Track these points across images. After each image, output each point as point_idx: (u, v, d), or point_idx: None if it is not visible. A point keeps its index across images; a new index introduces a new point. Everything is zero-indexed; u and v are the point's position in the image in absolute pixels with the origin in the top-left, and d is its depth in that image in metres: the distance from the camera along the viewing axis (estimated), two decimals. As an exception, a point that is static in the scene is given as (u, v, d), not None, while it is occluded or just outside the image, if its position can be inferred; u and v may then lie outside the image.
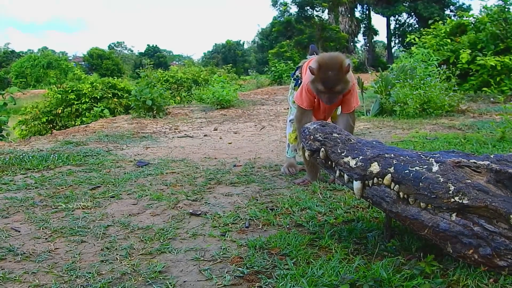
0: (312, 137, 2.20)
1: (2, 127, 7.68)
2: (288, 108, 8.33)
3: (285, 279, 1.78)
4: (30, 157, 4.46)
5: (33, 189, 3.40)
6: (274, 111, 9.13)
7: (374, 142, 2.17)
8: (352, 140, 2.16)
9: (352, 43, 47.09)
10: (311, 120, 3.27)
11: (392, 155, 2.01)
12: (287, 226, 2.43)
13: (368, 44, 47.05)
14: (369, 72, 23.56)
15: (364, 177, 2.02)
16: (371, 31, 47.56)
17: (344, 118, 3.35)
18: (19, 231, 2.49)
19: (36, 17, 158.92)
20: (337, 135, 2.17)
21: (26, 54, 55.65)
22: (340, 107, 3.44)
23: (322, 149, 2.15)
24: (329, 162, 2.17)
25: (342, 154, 2.11)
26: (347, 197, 2.86)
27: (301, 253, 2.04)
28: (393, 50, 47.81)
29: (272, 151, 4.73)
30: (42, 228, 2.52)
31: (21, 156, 4.52)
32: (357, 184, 2.05)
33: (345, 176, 2.10)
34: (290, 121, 3.77)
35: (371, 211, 2.59)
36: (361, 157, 2.06)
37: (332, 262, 1.91)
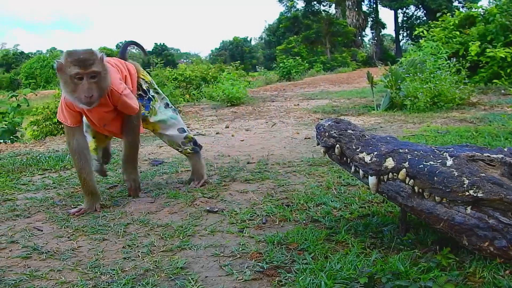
0: (327, 133, 2.24)
1: (17, 128, 7.78)
2: (297, 105, 8.31)
3: (304, 273, 1.82)
4: (47, 158, 4.54)
5: (51, 189, 3.48)
6: (284, 108, 9.16)
7: (388, 138, 2.21)
8: (367, 136, 2.20)
9: (359, 37, 46.88)
10: (84, 139, 2.97)
11: (407, 150, 2.05)
12: (304, 221, 2.48)
13: (376, 38, 46.82)
14: (378, 66, 23.52)
15: (379, 172, 2.06)
16: (378, 25, 47.34)
17: (128, 119, 3.03)
18: (42, 230, 2.55)
19: (42, 17, 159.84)
20: (352, 132, 2.21)
21: (35, 55, 56.04)
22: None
23: (337, 145, 2.19)
24: (344, 158, 2.21)
25: (357, 150, 2.15)
26: (362, 192, 2.90)
27: (318, 247, 2.08)
28: (401, 43, 47.60)
29: (284, 147, 4.77)
30: (64, 227, 2.58)
31: (37, 157, 4.60)
32: (372, 179, 2.09)
33: (360, 171, 2.14)
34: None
35: (385, 205, 2.63)
36: (376, 153, 2.09)
37: (349, 256, 1.95)
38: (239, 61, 24.49)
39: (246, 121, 7.29)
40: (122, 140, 3.16)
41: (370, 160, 2.09)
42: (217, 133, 6.05)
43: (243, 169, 3.81)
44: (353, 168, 2.18)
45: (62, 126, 9.47)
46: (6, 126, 7.63)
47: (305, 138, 5.26)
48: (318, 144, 2.32)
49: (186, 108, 10.28)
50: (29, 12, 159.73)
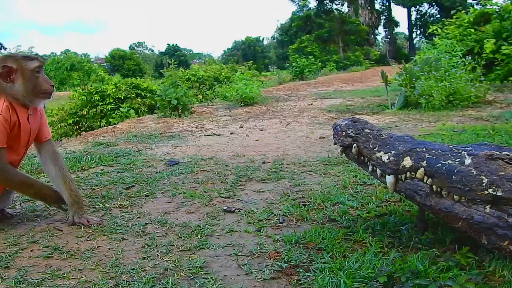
0: (344, 133, 2.25)
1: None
2: (311, 104, 8.31)
3: (323, 272, 1.83)
4: (64, 159, 4.57)
5: (70, 189, 3.51)
6: (298, 107, 9.15)
7: (405, 137, 2.21)
8: (384, 135, 2.20)
9: (372, 36, 46.66)
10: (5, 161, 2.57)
11: (424, 149, 2.05)
12: (321, 221, 2.49)
13: (389, 36, 46.59)
14: (391, 64, 23.39)
15: (397, 172, 2.06)
16: (391, 23, 47.08)
17: (48, 146, 2.83)
18: (62, 230, 2.59)
19: (56, 19, 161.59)
20: (369, 131, 2.22)
21: (49, 57, 56.66)
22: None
23: (355, 144, 2.20)
24: (362, 158, 2.22)
25: (375, 149, 2.15)
26: (378, 191, 2.90)
27: (336, 247, 2.09)
28: (414, 42, 47.28)
29: (299, 147, 4.78)
30: (83, 227, 2.61)
31: (55, 158, 4.65)
32: (390, 179, 2.09)
33: (378, 170, 2.14)
34: None
35: (403, 204, 2.62)
36: (393, 152, 2.10)
37: (367, 255, 1.96)
38: (251, 61, 24.54)
39: (260, 121, 7.30)
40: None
41: (387, 159, 2.09)
42: (231, 133, 6.07)
43: (258, 169, 3.82)
44: (370, 167, 2.18)
45: (77, 127, 9.49)
46: (23, 128, 7.69)
47: (320, 138, 5.26)
48: (335, 143, 2.33)
49: (200, 108, 10.32)
50: (43, 14, 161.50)
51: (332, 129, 2.36)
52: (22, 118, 2.60)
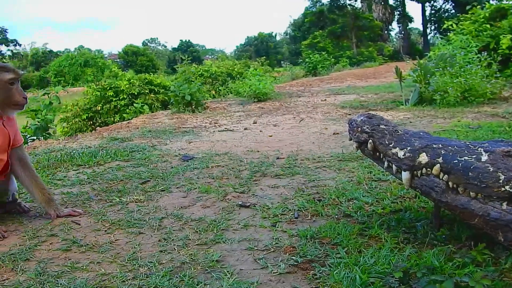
0: (359, 129, 2.25)
1: (49, 125, 7.97)
2: (324, 100, 8.29)
3: (339, 267, 1.85)
4: (80, 154, 4.64)
5: (86, 184, 3.56)
6: (311, 103, 9.14)
7: (421, 133, 2.21)
8: (400, 131, 2.20)
9: (386, 31, 46.37)
10: None
11: (440, 145, 2.05)
12: (336, 216, 2.50)
13: (403, 32, 46.27)
14: (405, 60, 23.21)
15: (413, 168, 2.07)
16: (405, 18, 46.74)
17: (18, 151, 2.84)
18: (80, 224, 2.63)
19: (70, 16, 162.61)
20: (384, 127, 2.22)
21: (63, 53, 57.14)
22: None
23: (370, 140, 2.20)
24: (377, 154, 2.22)
25: (390, 145, 2.15)
26: (393, 188, 2.90)
27: (351, 242, 2.10)
28: (429, 37, 46.85)
29: (313, 143, 4.78)
30: (101, 221, 2.65)
31: (71, 153, 4.71)
32: (405, 175, 2.10)
33: (394, 166, 2.15)
34: None
35: (418, 201, 2.62)
36: (409, 148, 2.10)
37: (383, 251, 1.97)
38: (264, 57, 24.51)
39: (273, 117, 7.31)
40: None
41: (403, 155, 2.10)
42: (245, 129, 6.09)
43: (273, 164, 3.84)
44: (386, 163, 2.18)
45: (91, 122, 9.59)
46: (39, 123, 7.82)
47: (334, 134, 5.26)
48: (350, 139, 2.33)
49: (213, 104, 10.35)
50: (58, 11, 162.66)
51: (347, 125, 2.37)
52: None
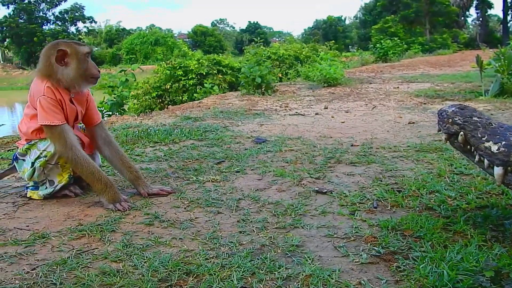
0: (450, 120, 2.16)
1: (124, 101, 8.27)
2: (397, 87, 8.03)
3: (424, 261, 1.79)
4: (156, 131, 4.77)
5: (163, 161, 3.66)
6: (383, 90, 8.92)
7: (517, 127, 2.09)
8: (494, 125, 2.09)
9: (462, 17, 44.31)
10: (74, 135, 2.70)
11: (539, 141, 1.93)
12: (417, 208, 2.43)
13: (481, 18, 44.05)
14: (482, 48, 22.08)
15: (507, 163, 1.96)
16: (484, 4, 44.45)
17: (100, 131, 2.94)
18: (160, 200, 2.71)
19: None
20: (478, 119, 2.11)
21: (135, 31, 58.91)
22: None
23: (461, 132, 2.11)
24: (468, 147, 2.12)
25: (483, 138, 2.05)
26: (477, 182, 2.78)
27: (436, 236, 2.03)
28: (509, 25, 44.31)
29: (388, 131, 4.67)
30: (180, 198, 2.72)
31: (147, 130, 4.86)
32: (498, 170, 1.99)
33: (485, 161, 2.04)
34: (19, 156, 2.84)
35: (505, 197, 2.50)
36: (504, 142, 1.99)
37: (470, 247, 1.89)
38: (333, 41, 24.13)
39: (344, 103, 7.19)
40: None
41: (497, 150, 1.99)
42: (316, 114, 6.03)
43: (347, 152, 3.78)
44: (477, 157, 2.08)
45: (160, 100, 9.83)
46: (115, 99, 8.12)
47: (409, 123, 5.10)
48: (439, 130, 2.24)
49: (282, 87, 10.33)
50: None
51: (437, 115, 2.27)
52: (65, 99, 2.71)
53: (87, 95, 2.90)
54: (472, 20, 47.36)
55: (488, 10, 45.49)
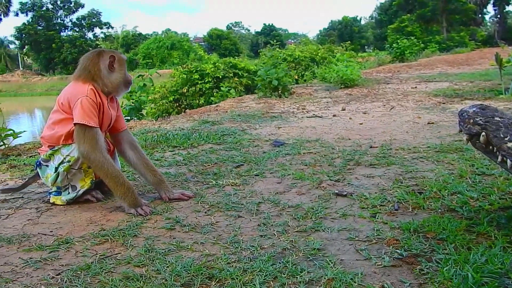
0: (471, 120, 2.14)
1: (142, 106, 8.34)
2: (414, 87, 7.95)
3: (447, 263, 1.78)
4: (174, 135, 4.81)
5: (182, 165, 3.69)
6: (401, 90, 8.85)
7: (541, 127, 2.06)
8: (516, 125, 2.07)
9: (480, 15, 43.77)
10: (104, 142, 2.77)
11: None
12: (439, 210, 2.41)
13: (499, 15, 43.45)
14: (500, 46, 21.81)
15: (531, 164, 1.94)
16: (502, 1, 43.80)
17: (127, 135, 3.05)
18: (180, 204, 2.73)
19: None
20: (499, 119, 2.09)
21: (151, 36, 59.43)
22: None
23: (483, 133, 2.09)
24: (490, 147, 2.10)
25: (506, 138, 2.03)
26: (500, 183, 2.74)
27: (459, 238, 2.01)
28: (528, 21, 43.68)
29: (407, 132, 4.63)
30: (200, 203, 2.73)
31: (166, 134, 4.90)
32: (522, 171, 1.97)
33: (508, 161, 2.02)
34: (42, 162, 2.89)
35: (529, 198, 2.47)
36: (527, 143, 1.97)
37: (494, 249, 1.87)
38: (349, 42, 24.02)
39: (362, 104, 7.15)
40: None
41: (520, 150, 1.97)
42: (334, 116, 6.01)
43: (366, 153, 3.76)
44: (500, 157, 2.06)
45: (177, 104, 9.88)
46: (133, 104, 8.20)
47: (428, 123, 5.05)
48: (460, 131, 2.22)
49: (299, 89, 10.32)
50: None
51: (457, 115, 2.25)
52: (104, 103, 2.80)
53: (116, 101, 3.00)
54: (490, 17, 46.78)
55: (506, 6, 44.86)
